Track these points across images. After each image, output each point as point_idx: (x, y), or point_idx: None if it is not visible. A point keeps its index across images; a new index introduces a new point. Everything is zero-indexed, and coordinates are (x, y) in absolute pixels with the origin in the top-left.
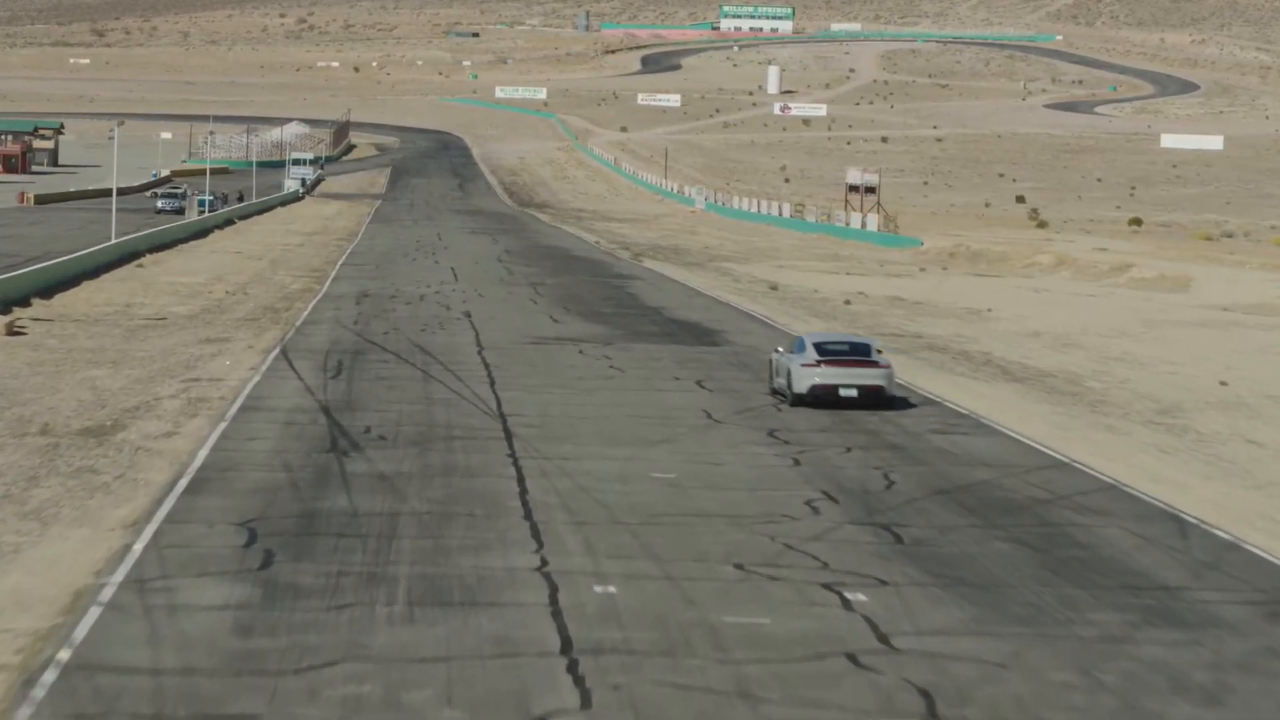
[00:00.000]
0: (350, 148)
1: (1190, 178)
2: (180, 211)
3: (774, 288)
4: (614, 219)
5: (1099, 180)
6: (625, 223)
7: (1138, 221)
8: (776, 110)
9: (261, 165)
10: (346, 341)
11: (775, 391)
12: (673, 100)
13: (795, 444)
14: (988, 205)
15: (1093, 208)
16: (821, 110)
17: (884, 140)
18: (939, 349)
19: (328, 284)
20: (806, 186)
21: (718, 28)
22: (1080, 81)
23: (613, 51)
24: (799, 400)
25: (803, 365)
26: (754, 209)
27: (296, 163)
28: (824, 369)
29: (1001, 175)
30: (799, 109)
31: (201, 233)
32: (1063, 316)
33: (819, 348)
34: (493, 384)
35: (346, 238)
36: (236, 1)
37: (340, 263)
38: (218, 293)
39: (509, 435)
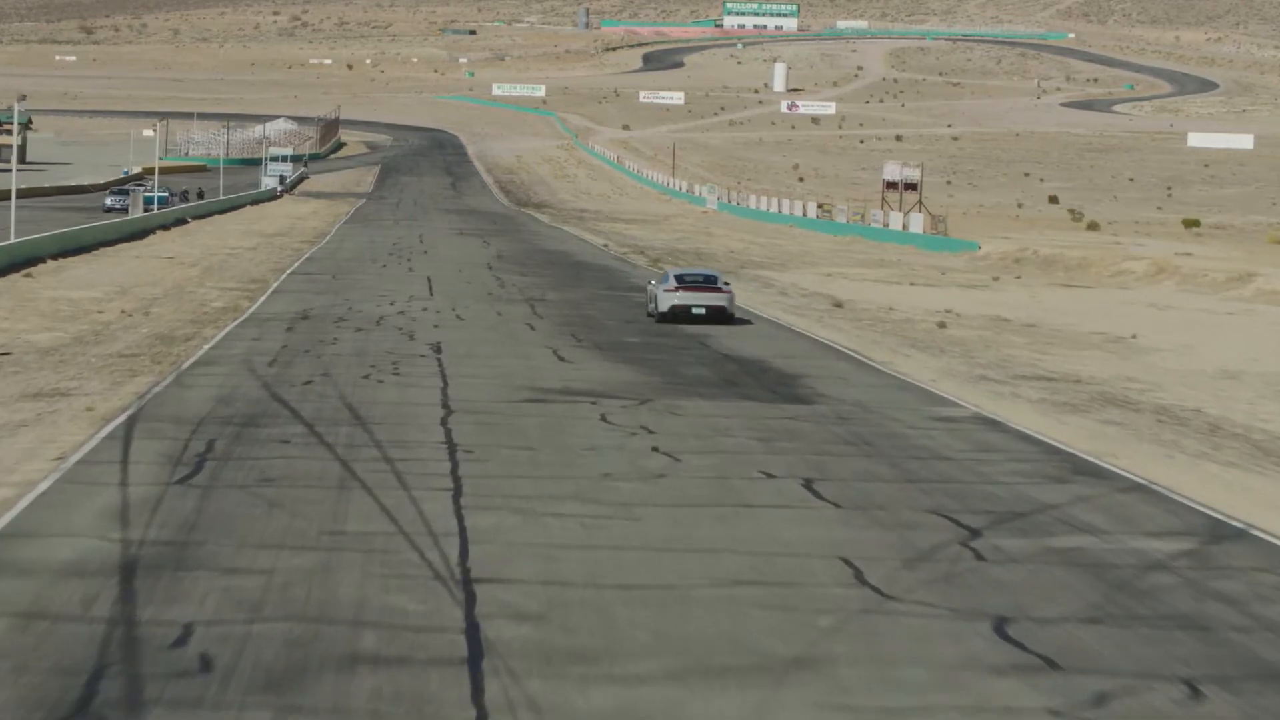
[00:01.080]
0: (339, 145)
1: (1226, 177)
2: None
3: (838, 305)
4: (620, 219)
5: (1131, 180)
6: (633, 223)
7: (1194, 223)
8: (784, 108)
9: (243, 163)
10: (242, 399)
11: (649, 314)
12: (676, 98)
13: (1068, 664)
14: (1020, 206)
15: (1132, 209)
16: (830, 108)
17: (898, 139)
18: (1120, 403)
19: (261, 300)
20: (822, 185)
21: (721, 25)
22: (1096, 80)
23: (613, 49)
24: (663, 317)
25: (665, 290)
26: (773, 209)
27: (274, 159)
28: (681, 293)
29: (1027, 174)
30: (807, 107)
31: (139, 233)
32: (1234, 345)
33: (678, 278)
34: (457, 492)
35: (312, 240)
36: (229, 1)
37: (289, 271)
38: (110, 313)
39: (477, 651)
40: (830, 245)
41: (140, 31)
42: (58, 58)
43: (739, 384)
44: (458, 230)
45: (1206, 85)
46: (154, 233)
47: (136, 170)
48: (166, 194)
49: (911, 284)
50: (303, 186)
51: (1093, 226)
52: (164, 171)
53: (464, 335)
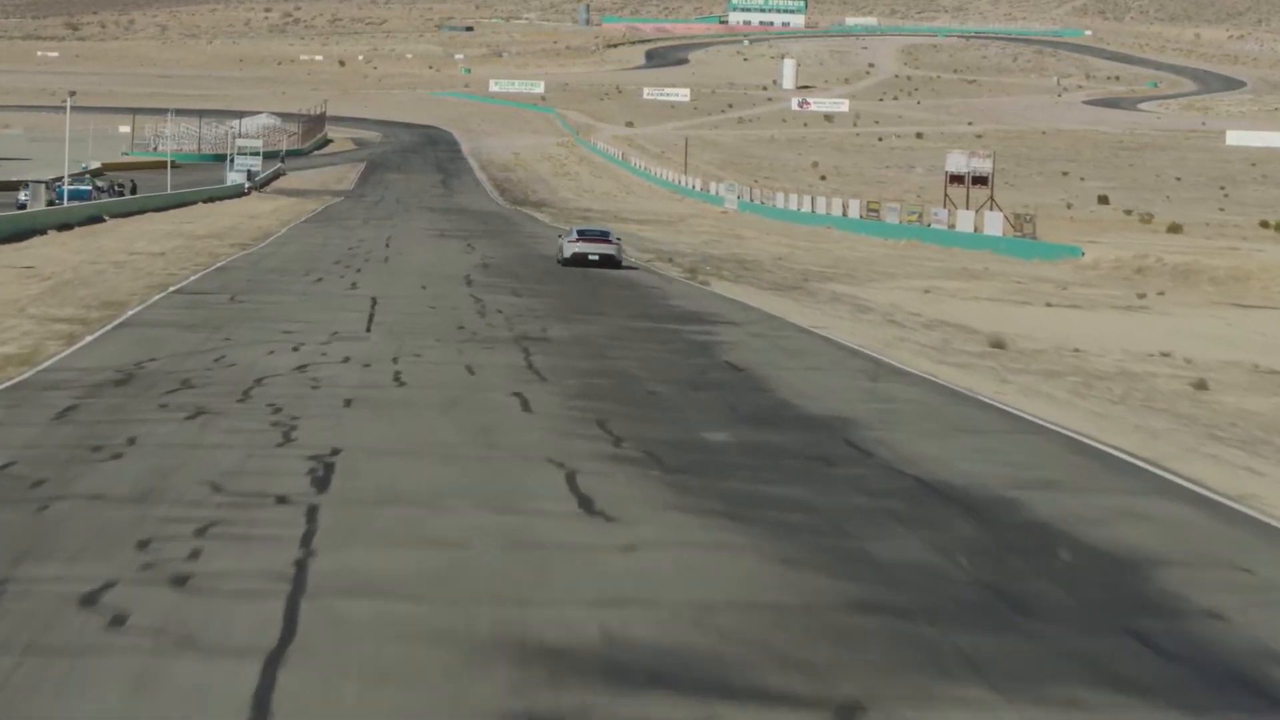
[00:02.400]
0: (325, 141)
1: (1279, 177)
2: (50, 205)
3: (997, 345)
4: (631, 219)
5: (1178, 180)
6: (647, 224)
7: None
8: (794, 105)
9: (216, 159)
10: None
11: (558, 261)
12: (681, 95)
13: None
14: (1069, 206)
15: (1189, 209)
16: (844, 105)
17: (919, 136)
18: None
19: (86, 340)
20: (845, 184)
21: (725, 22)
22: (1117, 78)
23: (615, 45)
24: (566, 262)
25: (569, 242)
26: (804, 208)
27: (242, 153)
28: (580, 243)
29: (1065, 174)
30: (819, 104)
31: (22, 234)
32: None
33: (580, 232)
34: None
35: (248, 242)
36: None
37: (175, 288)
38: None
39: None
40: (887, 250)
41: (127, 28)
42: (39, 54)
43: (1033, 606)
44: (438, 231)
45: (1233, 83)
46: (45, 233)
47: (96, 166)
48: (89, 188)
49: (1048, 304)
50: (277, 184)
51: (1175, 229)
52: (127, 168)
53: (393, 429)
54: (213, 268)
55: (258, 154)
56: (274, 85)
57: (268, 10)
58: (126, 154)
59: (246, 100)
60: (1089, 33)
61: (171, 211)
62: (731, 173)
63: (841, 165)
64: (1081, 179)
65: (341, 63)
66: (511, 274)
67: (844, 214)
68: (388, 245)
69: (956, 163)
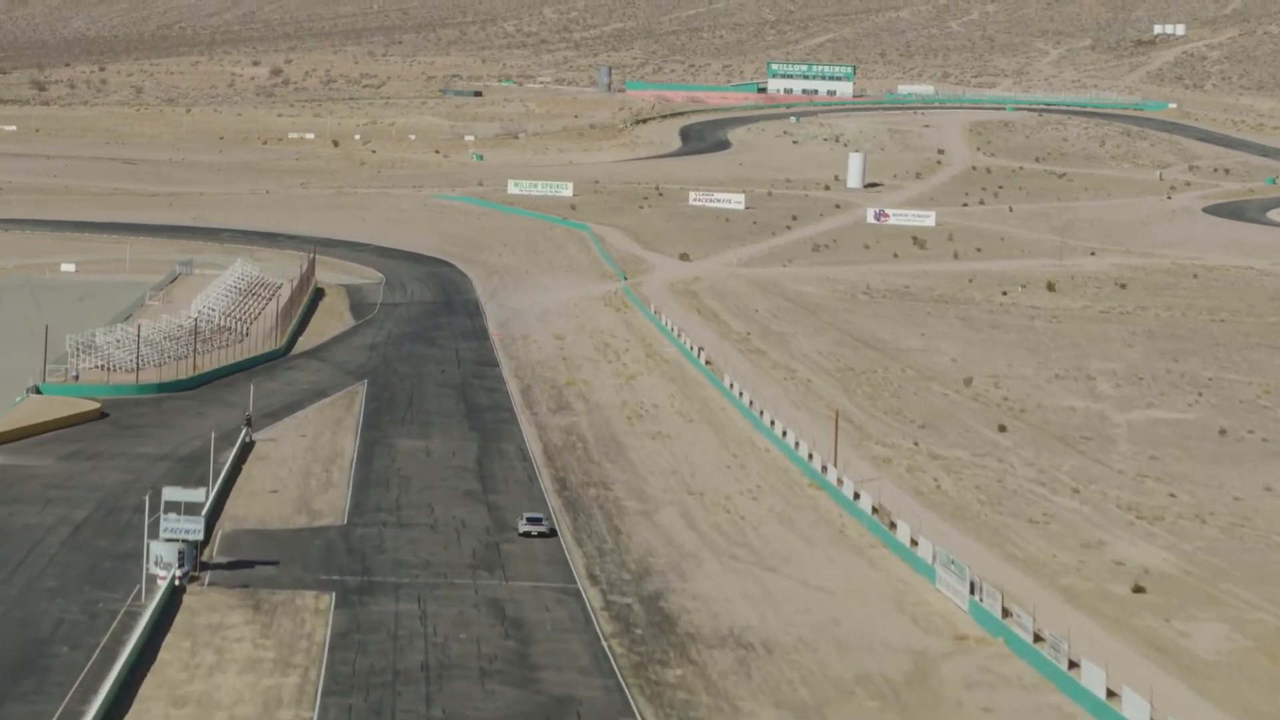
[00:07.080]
0: (315, 299)
1: None
2: None
3: None
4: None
5: None
6: None
7: None
8: (871, 218)
9: (160, 392)
10: None
11: (518, 534)
12: (735, 202)
13: None
14: None
15: None
16: (929, 219)
17: (1051, 289)
18: None
19: None
20: (1040, 444)
21: (764, 90)
22: (1226, 170)
23: (644, 121)
24: (520, 535)
25: (521, 523)
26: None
27: (170, 507)
28: (528, 525)
29: None
30: (899, 215)
31: None
32: None
33: (528, 518)
34: None
35: None
36: (205, 45)
37: None
38: None
39: None
40: None
41: (99, 89)
42: None
43: None
44: None
45: None
46: None
47: None
48: None
49: None
50: (236, 503)
51: None
52: (35, 431)
53: None
54: None
55: (199, 511)
56: (257, 178)
57: (256, 63)
58: (37, 390)
59: (220, 205)
60: (1173, 105)
61: None
62: (861, 396)
63: (995, 369)
64: None
65: (335, 143)
66: None
67: None
68: None
69: None
